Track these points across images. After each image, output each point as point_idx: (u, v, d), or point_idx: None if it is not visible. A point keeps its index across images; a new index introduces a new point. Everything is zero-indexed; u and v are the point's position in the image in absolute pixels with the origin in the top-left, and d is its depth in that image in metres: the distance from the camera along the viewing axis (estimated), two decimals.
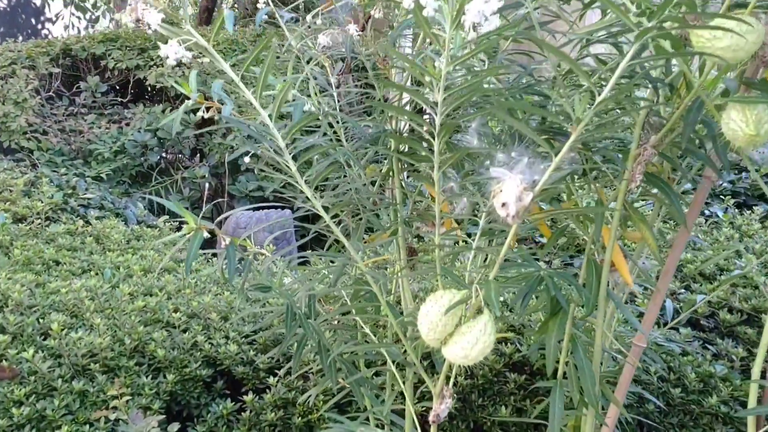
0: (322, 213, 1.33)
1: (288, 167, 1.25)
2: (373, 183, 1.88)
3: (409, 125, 1.51)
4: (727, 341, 2.53)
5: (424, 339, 1.27)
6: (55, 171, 4.60)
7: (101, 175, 4.68)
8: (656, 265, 1.86)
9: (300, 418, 2.17)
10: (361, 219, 1.80)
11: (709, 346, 2.54)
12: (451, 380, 1.42)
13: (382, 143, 1.73)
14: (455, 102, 1.09)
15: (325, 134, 1.62)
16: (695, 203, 1.61)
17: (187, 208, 4.45)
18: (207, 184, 4.68)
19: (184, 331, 2.38)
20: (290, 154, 1.30)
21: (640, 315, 2.34)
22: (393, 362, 1.57)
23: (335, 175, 1.76)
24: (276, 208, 4.37)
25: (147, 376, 2.18)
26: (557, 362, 1.67)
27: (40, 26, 8.43)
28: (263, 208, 4.61)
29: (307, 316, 1.68)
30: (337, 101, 1.82)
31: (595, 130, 1.15)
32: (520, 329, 2.49)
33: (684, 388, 2.32)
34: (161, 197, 4.88)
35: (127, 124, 5.08)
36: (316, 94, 1.77)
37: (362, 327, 1.64)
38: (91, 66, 5.62)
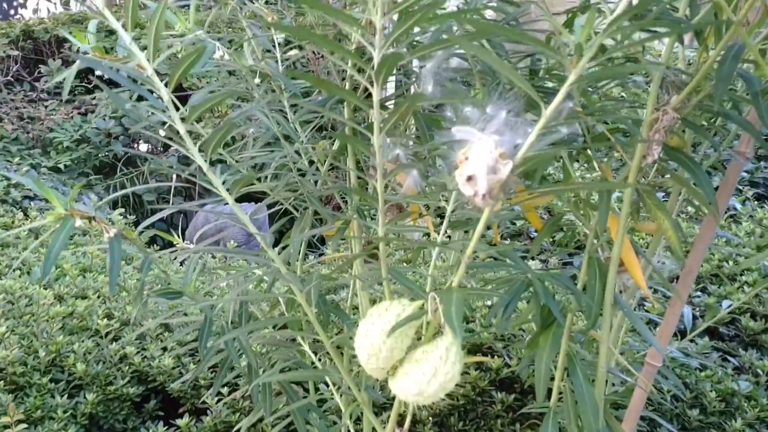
0: (224, 195, 0.98)
1: (173, 124, 0.90)
2: (332, 166, 1.54)
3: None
4: (750, 352, 2.19)
5: (364, 368, 0.93)
6: (9, 161, 4.25)
7: (59, 165, 4.32)
8: (673, 265, 1.51)
9: None
10: (306, 209, 1.46)
11: (730, 358, 2.19)
12: (407, 422, 1.08)
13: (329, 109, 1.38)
14: (404, 26, 0.74)
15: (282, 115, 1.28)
16: (726, 186, 1.26)
17: (152, 202, 4.03)
18: (175, 176, 4.32)
19: (114, 340, 2.03)
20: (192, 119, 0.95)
21: (650, 323, 1.98)
22: (339, 388, 1.23)
23: (286, 167, 1.43)
24: (251, 201, 4.03)
25: (62, 395, 1.84)
26: (551, 384, 1.32)
27: (12, 11, 8.05)
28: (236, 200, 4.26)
29: (236, 326, 1.34)
30: (280, 63, 1.47)
31: (599, 74, 0.80)
32: (509, 339, 2.14)
33: (702, 408, 1.98)
34: (125, 188, 4.53)
35: (92, 112, 4.72)
36: (254, 52, 1.42)
37: (301, 344, 1.29)
38: (54, 49, 5.26)
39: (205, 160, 0.94)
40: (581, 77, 0.73)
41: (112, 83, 4.82)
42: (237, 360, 1.26)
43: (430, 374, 0.88)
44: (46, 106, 4.90)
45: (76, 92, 5.08)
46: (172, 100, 0.93)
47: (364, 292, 1.34)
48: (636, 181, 1.21)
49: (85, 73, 5.04)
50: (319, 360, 1.30)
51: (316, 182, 1.53)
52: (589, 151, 1.33)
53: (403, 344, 0.91)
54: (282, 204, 1.54)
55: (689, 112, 1.21)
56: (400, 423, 1.13)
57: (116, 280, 1.06)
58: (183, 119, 0.97)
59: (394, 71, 1.32)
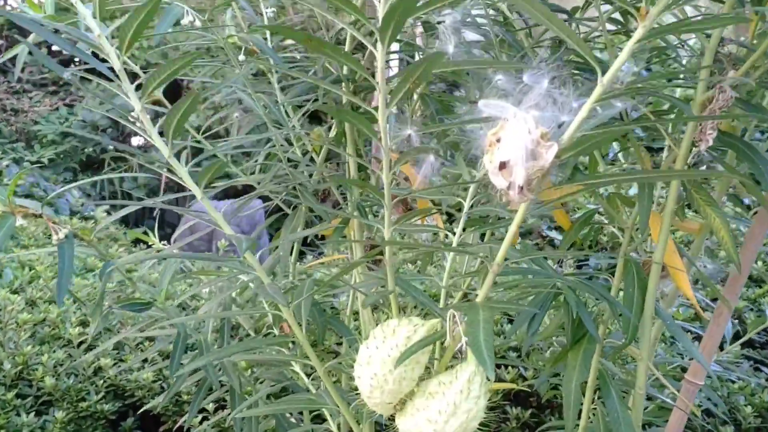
0: (191, 186, 0.81)
1: (127, 99, 0.73)
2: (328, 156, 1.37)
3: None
4: None
5: (366, 402, 0.76)
6: None
7: (44, 160, 4.15)
8: (715, 270, 1.34)
9: None
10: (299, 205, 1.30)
11: (763, 368, 2.03)
12: None
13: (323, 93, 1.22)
14: None
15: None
16: None
17: (141, 198, 3.88)
18: (166, 170, 4.13)
19: (88, 350, 1.86)
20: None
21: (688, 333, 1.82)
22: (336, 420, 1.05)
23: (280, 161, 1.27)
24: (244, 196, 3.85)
25: (29, 413, 1.66)
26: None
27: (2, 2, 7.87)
28: (230, 196, 4.10)
29: (217, 341, 1.17)
30: (269, 40, 1.30)
31: (675, 26, 0.63)
32: (523, 348, 1.97)
33: (737, 425, 1.81)
34: (112, 185, 4.36)
35: (79, 103, 4.55)
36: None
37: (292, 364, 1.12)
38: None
39: (167, 144, 0.77)
40: (652, 30, 0.56)
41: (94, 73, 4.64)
42: (216, 383, 1.09)
43: (449, 412, 0.71)
44: (30, 98, 4.72)
45: (62, 83, 4.90)
46: (127, 70, 0.75)
47: (366, 305, 1.17)
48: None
49: (72, 62, 4.86)
50: (313, 381, 1.13)
51: (310, 175, 1.36)
52: (625, 139, 1.16)
53: (413, 374, 0.73)
54: (276, 198, 1.37)
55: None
56: None
57: (67, 287, 0.89)
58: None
59: (399, 42, 1.14)
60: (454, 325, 0.73)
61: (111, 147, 4.26)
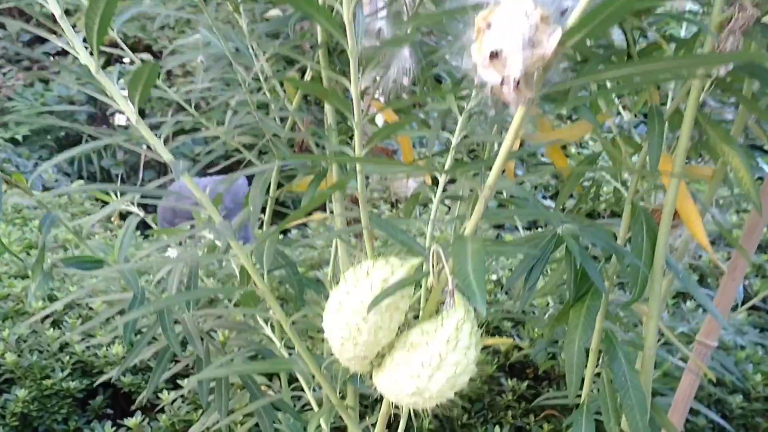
0: (161, 152, 0.71)
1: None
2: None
3: None
4: None
5: (337, 357, 0.65)
6: None
7: (18, 137, 4.01)
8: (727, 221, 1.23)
9: None
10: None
11: None
12: (403, 420, 0.80)
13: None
14: None
15: None
16: None
17: (119, 175, 3.74)
18: (145, 146, 4.00)
19: (54, 325, 1.74)
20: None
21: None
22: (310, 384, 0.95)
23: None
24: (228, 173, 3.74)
25: None
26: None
27: None
28: (212, 174, 3.97)
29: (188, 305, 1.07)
30: None
31: None
32: (518, 318, 1.87)
33: (745, 394, 1.72)
34: (91, 162, 4.23)
35: (53, 80, 4.40)
36: None
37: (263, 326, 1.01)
38: (14, 10, 4.91)
39: (134, 106, 0.66)
40: None
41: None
42: (178, 349, 0.98)
43: (434, 365, 0.61)
44: (4, 74, 4.57)
45: (36, 59, 4.74)
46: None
47: (346, 256, 1.06)
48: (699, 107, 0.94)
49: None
50: (291, 351, 1.02)
51: (283, 122, 1.25)
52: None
53: (392, 322, 0.63)
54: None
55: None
56: (390, 427, 0.86)
57: None
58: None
59: None
60: (439, 265, 0.62)
61: (89, 123, 4.13)
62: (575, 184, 1.03)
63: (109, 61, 3.79)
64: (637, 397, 1.00)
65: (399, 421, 0.80)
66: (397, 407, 0.67)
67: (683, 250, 1.13)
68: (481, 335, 1.79)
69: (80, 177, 4.17)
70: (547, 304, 1.86)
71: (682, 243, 1.13)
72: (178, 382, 1.66)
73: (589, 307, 1.00)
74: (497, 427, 1.63)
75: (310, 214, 1.18)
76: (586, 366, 1.02)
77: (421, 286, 0.73)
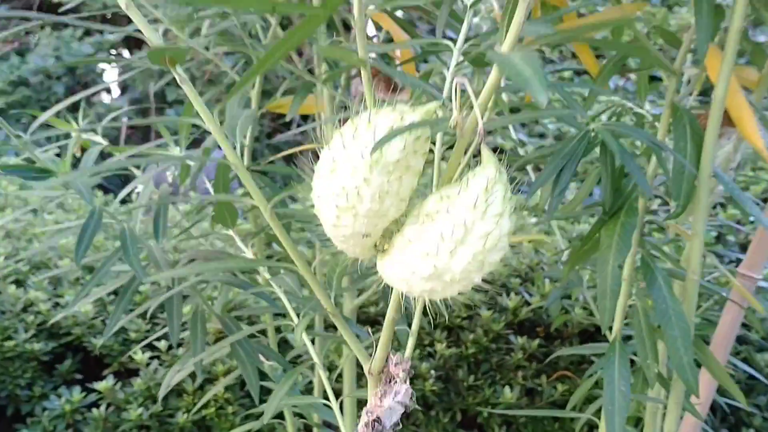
0: None
1: None
2: None
3: None
4: None
5: (332, 239, 0.52)
6: None
7: None
8: None
9: (186, 415, 1.41)
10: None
11: None
12: (410, 345, 0.66)
13: None
14: None
15: None
16: None
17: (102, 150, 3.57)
18: (125, 119, 3.86)
19: (16, 284, 1.60)
20: None
21: None
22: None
23: None
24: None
25: None
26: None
27: None
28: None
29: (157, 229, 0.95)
30: None
31: None
32: (526, 275, 1.74)
33: None
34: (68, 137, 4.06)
35: (31, 50, 4.24)
36: None
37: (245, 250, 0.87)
38: None
39: None
40: None
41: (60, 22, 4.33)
42: (142, 275, 0.84)
43: (456, 237, 0.47)
44: None
45: (12, 27, 4.57)
46: None
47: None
48: None
49: (26, 9, 4.53)
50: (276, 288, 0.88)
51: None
52: None
53: (401, 187, 0.49)
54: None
55: None
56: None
57: None
58: None
59: None
60: (463, 108, 0.48)
61: (67, 96, 3.96)
62: (607, 79, 0.90)
63: None
64: (680, 328, 0.87)
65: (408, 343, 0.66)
66: (408, 301, 0.53)
67: (728, 159, 0.99)
68: (486, 291, 1.63)
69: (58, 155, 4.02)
70: (556, 262, 1.73)
71: (726, 153, 1.00)
72: (155, 344, 1.53)
73: (624, 224, 0.87)
74: (507, 389, 1.50)
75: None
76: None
77: (436, 144, 0.59)
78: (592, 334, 1.63)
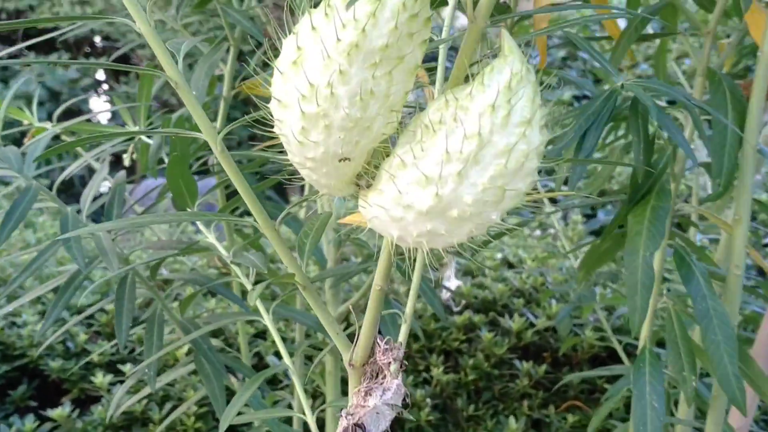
0: None
1: None
2: None
3: None
4: None
5: (294, 163, 0.38)
6: None
7: None
8: None
9: None
10: None
11: None
12: (404, 330, 0.52)
13: None
14: None
15: None
16: None
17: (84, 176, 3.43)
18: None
19: None
20: None
21: None
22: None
23: None
24: (196, 174, 3.47)
25: None
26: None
27: None
28: None
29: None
30: None
31: None
32: (529, 295, 1.61)
33: None
34: (50, 164, 3.95)
35: (13, 77, 4.16)
36: None
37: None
38: None
39: None
40: None
41: (47, 45, 4.28)
42: (82, 264, 0.71)
43: (466, 153, 0.34)
44: None
45: None
46: None
47: None
48: None
49: (10, 39, 4.46)
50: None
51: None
52: None
53: (392, 85, 0.36)
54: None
55: None
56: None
57: None
58: None
59: None
60: None
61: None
62: (628, 46, 0.78)
63: None
64: (724, 332, 0.74)
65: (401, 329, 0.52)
66: (401, 254, 0.40)
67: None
68: (487, 313, 1.49)
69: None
70: (565, 280, 1.59)
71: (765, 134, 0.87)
72: (119, 367, 1.38)
73: (655, 208, 0.74)
74: (511, 420, 1.35)
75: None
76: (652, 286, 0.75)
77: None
78: (604, 359, 1.48)
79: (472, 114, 0.35)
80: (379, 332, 0.50)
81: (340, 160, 0.37)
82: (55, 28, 1.50)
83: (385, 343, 0.46)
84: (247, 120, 0.42)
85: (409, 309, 0.50)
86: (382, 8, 0.34)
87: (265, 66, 0.94)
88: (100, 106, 4.63)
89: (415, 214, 0.36)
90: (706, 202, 0.81)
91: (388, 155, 0.38)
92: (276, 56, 0.38)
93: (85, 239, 0.87)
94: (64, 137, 1.11)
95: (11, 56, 4.51)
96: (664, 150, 0.79)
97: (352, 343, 0.47)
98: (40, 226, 2.41)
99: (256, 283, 0.70)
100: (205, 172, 1.08)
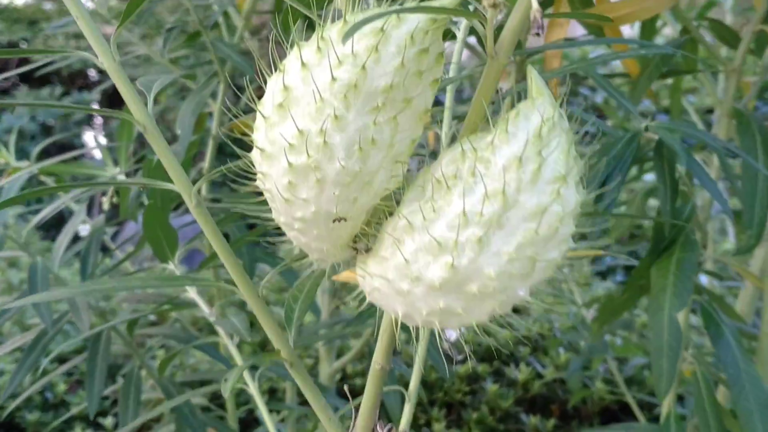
0: None
1: None
2: None
3: None
4: None
5: (281, 223, 0.32)
6: None
7: None
8: None
9: None
10: None
11: None
12: (407, 412, 0.46)
13: None
14: None
15: None
16: None
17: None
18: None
19: None
20: None
21: None
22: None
23: None
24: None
25: None
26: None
27: None
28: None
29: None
30: None
31: None
32: (535, 342, 1.54)
33: None
34: (41, 201, 3.89)
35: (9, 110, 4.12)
36: None
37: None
38: None
39: None
40: None
41: (24, 80, 4.26)
42: (48, 320, 0.64)
43: (488, 216, 0.28)
44: None
45: None
46: None
47: None
48: None
49: (2, 67, 4.44)
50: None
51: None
52: None
53: (397, 132, 0.31)
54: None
55: None
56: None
57: None
58: None
59: None
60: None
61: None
62: (648, 85, 0.72)
63: None
64: (757, 399, 0.67)
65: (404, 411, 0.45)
66: (404, 327, 0.33)
67: None
68: (491, 362, 1.40)
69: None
70: (574, 326, 1.53)
71: None
72: (99, 421, 1.30)
73: (681, 260, 0.68)
74: None
75: None
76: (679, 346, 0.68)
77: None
78: (615, 412, 1.41)
79: (494, 167, 0.29)
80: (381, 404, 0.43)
81: (334, 221, 0.31)
82: (49, 61, 1.44)
83: (387, 430, 0.40)
84: (224, 170, 0.36)
85: (413, 386, 0.44)
86: (385, 42, 0.29)
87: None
88: (92, 139, 4.60)
89: (426, 289, 0.30)
90: (738, 255, 0.75)
91: (391, 214, 0.32)
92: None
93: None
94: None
95: (3, 90, 4.49)
96: (686, 195, 0.74)
97: (347, 430, 0.40)
98: (25, 265, 2.33)
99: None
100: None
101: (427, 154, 0.34)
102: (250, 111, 0.41)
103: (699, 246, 0.73)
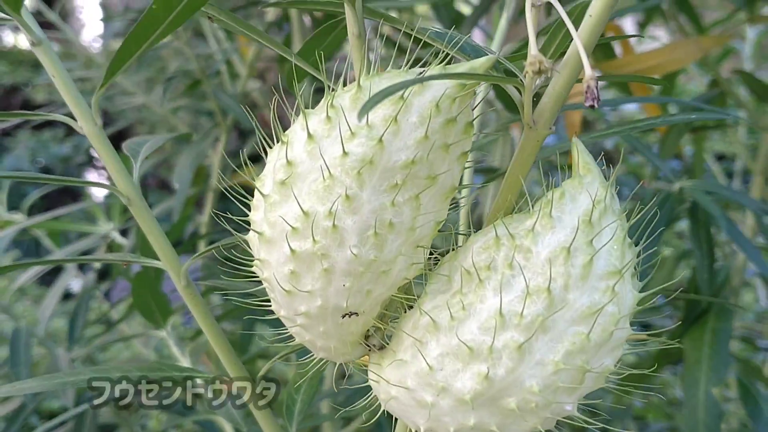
0: None
1: None
2: None
3: None
4: None
5: (282, 317, 0.27)
6: None
7: None
8: None
9: None
10: None
11: None
12: None
13: None
14: None
15: None
16: None
17: (82, 254, 3.42)
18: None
19: None
20: None
21: None
22: None
23: None
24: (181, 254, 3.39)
25: None
26: None
27: None
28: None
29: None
30: None
31: None
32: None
33: None
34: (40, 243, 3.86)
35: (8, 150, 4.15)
36: None
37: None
38: None
39: None
40: None
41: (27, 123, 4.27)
42: (30, 395, 0.59)
43: (529, 318, 0.23)
44: None
45: None
46: None
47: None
48: None
49: (4, 108, 4.45)
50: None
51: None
52: None
53: (418, 213, 0.26)
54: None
55: None
56: None
57: None
58: None
59: None
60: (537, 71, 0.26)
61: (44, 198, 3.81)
62: (678, 140, 0.68)
63: None
64: None
65: None
66: None
67: None
68: None
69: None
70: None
71: None
72: None
73: (716, 331, 0.63)
74: None
75: None
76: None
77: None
78: None
79: (536, 259, 0.24)
80: None
81: (343, 316, 0.27)
82: (51, 103, 1.42)
83: None
84: (220, 247, 0.32)
85: None
86: (406, 111, 0.24)
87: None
88: (95, 179, 4.58)
89: (454, 402, 0.25)
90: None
91: (410, 307, 0.28)
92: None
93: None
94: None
95: (5, 132, 4.51)
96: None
97: None
98: (21, 314, 2.29)
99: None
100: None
101: (453, 232, 0.30)
102: (256, 160, 0.37)
103: (733, 313, 0.68)
